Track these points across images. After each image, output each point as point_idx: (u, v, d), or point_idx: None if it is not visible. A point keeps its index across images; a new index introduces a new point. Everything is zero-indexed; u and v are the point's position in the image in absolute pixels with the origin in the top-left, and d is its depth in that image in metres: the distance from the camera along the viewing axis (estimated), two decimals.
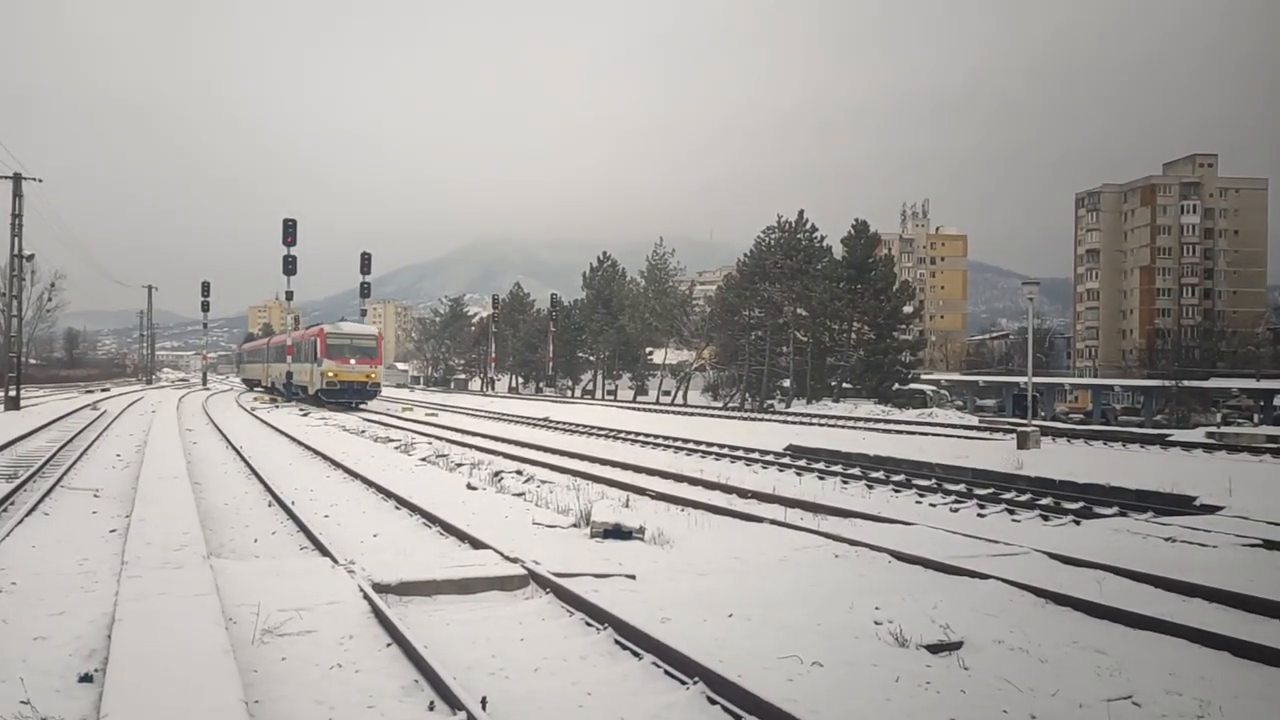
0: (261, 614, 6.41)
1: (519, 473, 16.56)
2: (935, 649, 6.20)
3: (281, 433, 26.21)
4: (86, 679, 5.38)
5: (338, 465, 17.22)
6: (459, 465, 17.52)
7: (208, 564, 7.83)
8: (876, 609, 7.06)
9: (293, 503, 12.12)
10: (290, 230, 45.51)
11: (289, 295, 49.73)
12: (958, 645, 6.27)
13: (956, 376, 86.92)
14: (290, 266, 45.87)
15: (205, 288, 72.00)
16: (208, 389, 73.29)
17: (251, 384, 71.53)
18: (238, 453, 19.69)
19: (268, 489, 13.80)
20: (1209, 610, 7.38)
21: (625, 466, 18.56)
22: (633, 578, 8.07)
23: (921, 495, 15.81)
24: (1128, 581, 8.31)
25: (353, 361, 43.77)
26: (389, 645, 6.11)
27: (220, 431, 26.39)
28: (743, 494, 14.51)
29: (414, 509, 11.86)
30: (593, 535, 10.10)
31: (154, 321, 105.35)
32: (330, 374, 42.99)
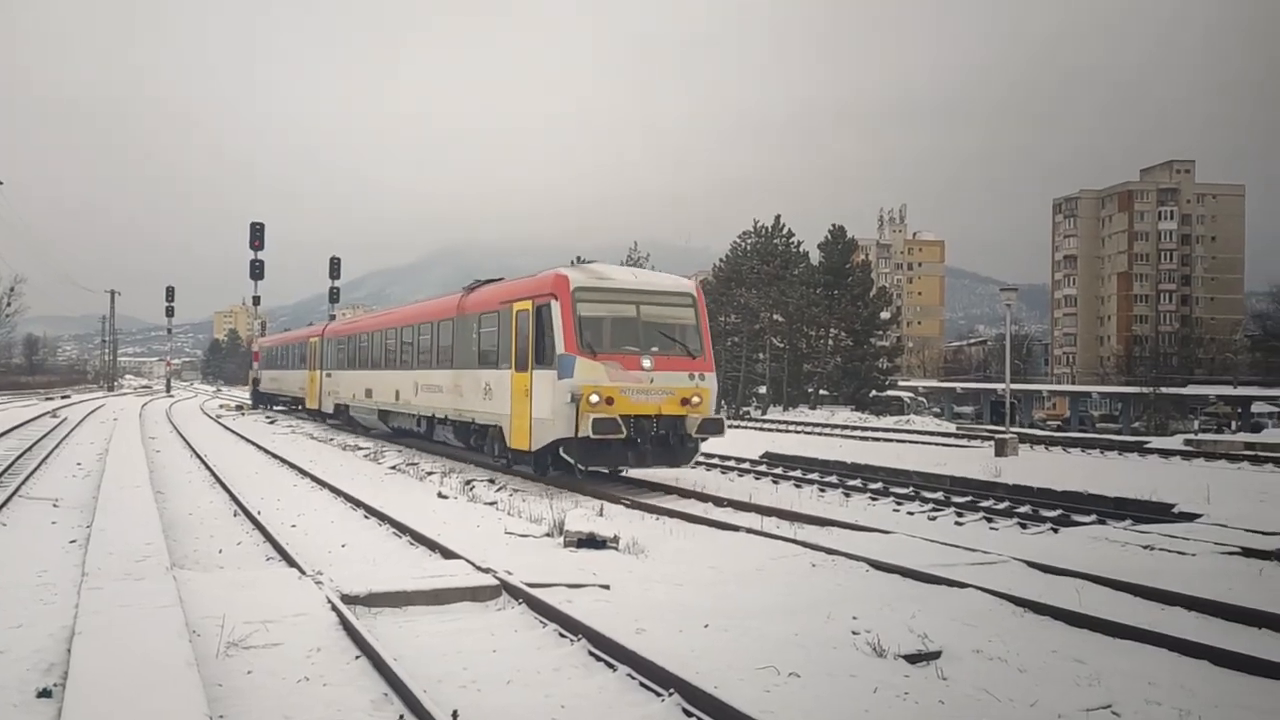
0: (226, 626, 6.26)
1: (491, 481, 16.39)
2: (914, 659, 6.13)
3: (247, 440, 25.84)
4: (45, 694, 5.21)
5: (305, 474, 16.98)
6: (430, 473, 17.33)
7: (171, 575, 7.64)
8: (854, 618, 6.99)
9: (259, 512, 11.92)
10: (258, 234, 45.12)
11: (256, 300, 49.22)
12: (936, 655, 6.21)
13: (934, 383, 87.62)
14: (258, 271, 45.43)
15: (170, 292, 71.27)
16: (172, 396, 72.18)
17: (285, 404, 41.61)
18: (202, 461, 19.39)
19: (233, 498, 13.58)
20: (1188, 619, 7.37)
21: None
22: (607, 588, 7.97)
23: (899, 503, 15.78)
24: (1106, 590, 8.29)
25: (647, 364, 15.28)
26: (358, 658, 5.97)
27: (184, 439, 25.99)
28: (718, 502, 14.41)
29: (383, 518, 11.70)
30: (566, 544, 9.98)
31: (116, 327, 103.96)
32: (597, 396, 14.60)
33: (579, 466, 15.01)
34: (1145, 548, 10.54)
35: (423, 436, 22.47)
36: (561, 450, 14.89)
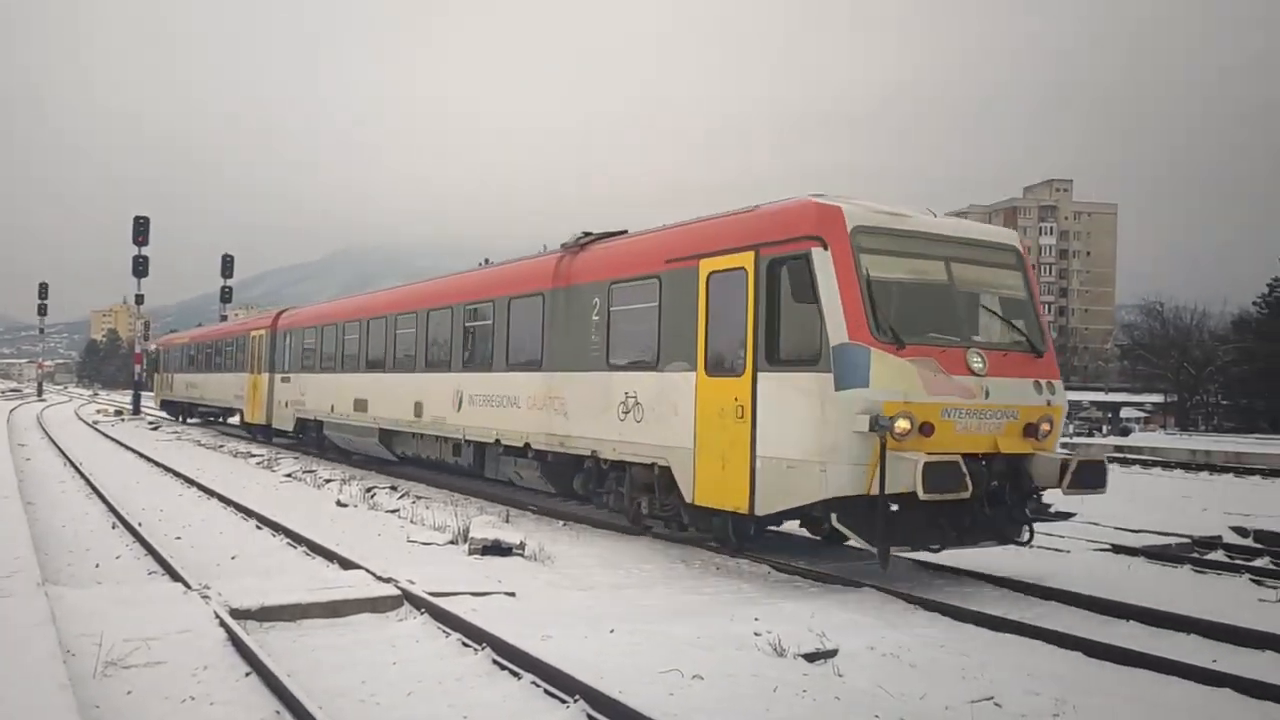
0: (104, 645, 5.94)
1: (393, 488, 16.04)
2: (812, 657, 6.31)
3: (126, 447, 24.54)
4: None
5: (192, 483, 16.23)
6: (328, 481, 16.81)
7: (43, 591, 7.20)
8: (756, 619, 7.16)
9: (140, 524, 11.33)
10: (142, 229, 42.83)
11: (139, 299, 46.49)
12: (833, 653, 6.40)
13: None
14: (141, 268, 43.10)
15: (43, 289, 67.08)
16: (44, 401, 67.82)
17: (206, 415, 35.45)
18: (77, 469, 18.31)
19: (111, 509, 12.86)
20: (1063, 612, 7.81)
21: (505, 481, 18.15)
22: (512, 595, 7.94)
23: None
24: (989, 586, 8.73)
25: (978, 364, 8.49)
26: (248, 674, 5.76)
27: (57, 446, 24.49)
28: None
29: (277, 528, 11.29)
30: (471, 552, 9.87)
31: None
32: (908, 422, 8.00)
33: (881, 551, 8.05)
34: (1025, 545, 11.07)
35: (465, 472, 15.38)
36: (835, 519, 8.29)
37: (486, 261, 15.67)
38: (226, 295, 50.88)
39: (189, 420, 36.57)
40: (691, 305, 9.77)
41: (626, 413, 10.61)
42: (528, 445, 12.58)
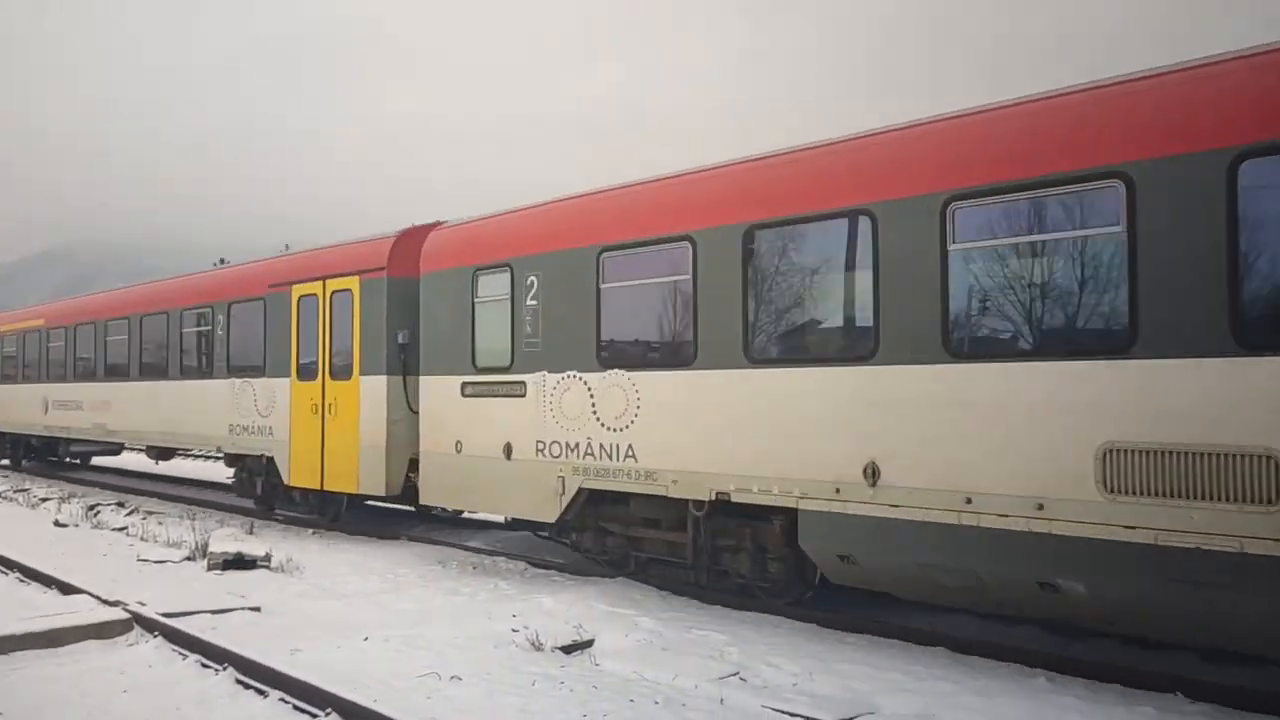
0: None
1: (121, 504, 14.64)
2: (569, 649, 6.53)
3: None
4: None
5: None
6: (44, 500, 15.08)
7: None
8: (514, 616, 7.29)
9: None
10: None
11: None
12: (589, 643, 6.66)
13: None
14: None
15: None
16: None
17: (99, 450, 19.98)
18: None
19: None
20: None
21: None
22: (257, 610, 7.60)
23: None
24: None
25: None
26: None
27: None
28: (378, 512, 14.05)
29: None
30: (210, 568, 9.31)
31: None
32: None
33: None
34: None
35: None
36: None
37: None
38: None
39: (28, 460, 21.46)
40: None
41: None
42: None
